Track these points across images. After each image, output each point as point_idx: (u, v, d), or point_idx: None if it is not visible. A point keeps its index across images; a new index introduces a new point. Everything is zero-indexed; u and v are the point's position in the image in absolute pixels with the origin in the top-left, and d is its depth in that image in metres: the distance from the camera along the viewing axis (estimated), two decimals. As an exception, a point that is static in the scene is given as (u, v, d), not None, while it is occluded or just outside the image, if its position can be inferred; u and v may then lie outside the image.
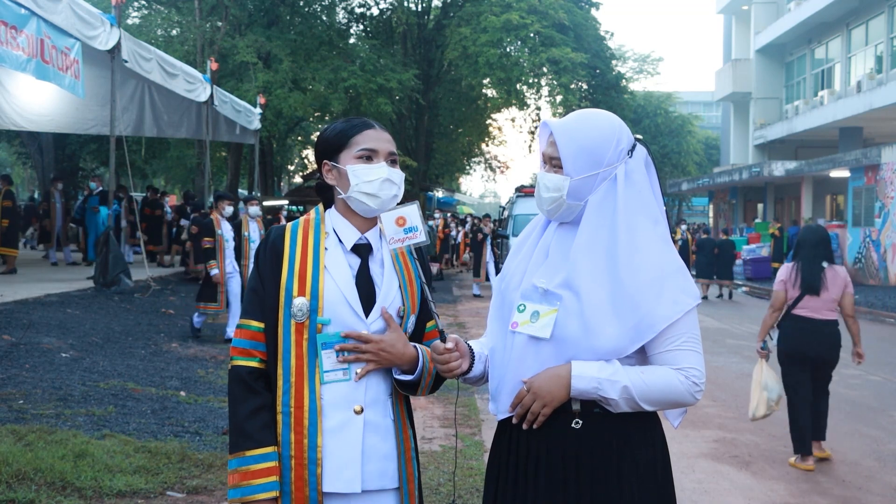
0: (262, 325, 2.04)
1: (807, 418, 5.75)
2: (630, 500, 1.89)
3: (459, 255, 29.05)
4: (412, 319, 2.11)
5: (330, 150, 2.11)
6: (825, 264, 5.71)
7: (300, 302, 2.00)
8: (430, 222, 23.79)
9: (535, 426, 1.93)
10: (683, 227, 22.13)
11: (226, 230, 9.83)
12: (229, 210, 9.99)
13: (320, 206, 2.17)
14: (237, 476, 1.97)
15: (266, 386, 2.03)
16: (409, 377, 2.05)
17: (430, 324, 2.17)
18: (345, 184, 2.07)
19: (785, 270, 5.86)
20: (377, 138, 2.09)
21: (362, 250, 2.09)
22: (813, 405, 5.86)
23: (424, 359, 2.06)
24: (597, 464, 1.90)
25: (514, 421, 1.96)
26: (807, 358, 5.79)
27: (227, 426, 5.59)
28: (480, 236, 19.55)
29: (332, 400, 2.00)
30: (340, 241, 2.09)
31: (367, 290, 2.05)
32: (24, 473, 4.33)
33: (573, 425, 1.92)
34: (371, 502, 2.02)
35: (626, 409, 1.89)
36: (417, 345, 2.08)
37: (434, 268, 20.54)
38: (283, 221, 20.80)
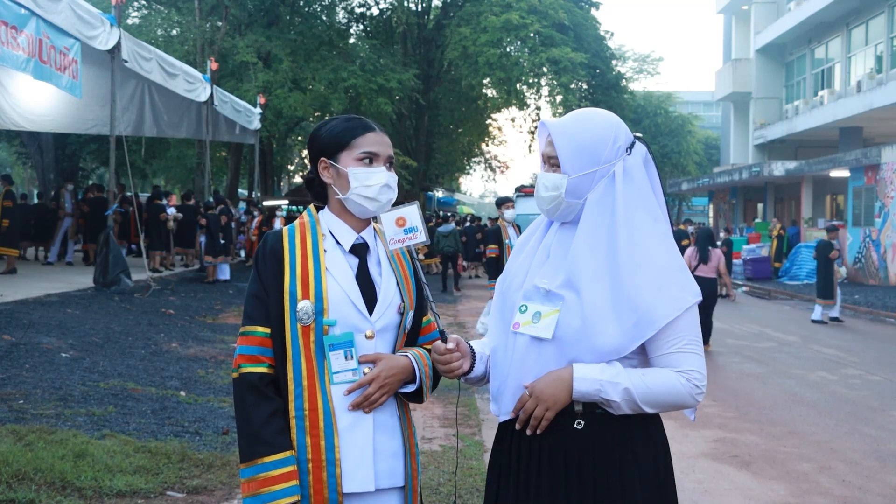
0: (268, 331, 2.03)
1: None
2: (632, 501, 1.89)
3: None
4: (411, 315, 2.12)
5: (330, 148, 2.10)
6: (710, 248, 10.68)
7: (305, 305, 1.99)
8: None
9: (538, 431, 1.93)
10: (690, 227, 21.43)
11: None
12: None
13: (312, 208, 2.15)
14: (255, 484, 1.95)
15: (277, 391, 2.02)
16: (412, 387, 2.06)
17: (425, 318, 2.18)
18: (344, 185, 2.07)
19: (691, 251, 10.76)
20: (378, 142, 2.09)
21: (360, 250, 2.10)
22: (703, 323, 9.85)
23: (418, 363, 2.07)
24: (599, 464, 1.90)
25: (518, 426, 1.96)
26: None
27: (227, 426, 5.54)
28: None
29: (342, 401, 2.00)
30: (338, 242, 2.09)
31: (368, 289, 2.06)
32: (24, 473, 4.32)
33: (575, 426, 1.92)
34: (383, 500, 2.03)
35: (628, 411, 1.89)
36: (406, 351, 2.08)
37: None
38: (277, 225, 20.88)
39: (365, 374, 2.01)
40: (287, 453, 1.96)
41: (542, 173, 2.04)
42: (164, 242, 16.94)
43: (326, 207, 2.13)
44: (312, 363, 2.00)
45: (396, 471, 2.05)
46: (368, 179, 2.05)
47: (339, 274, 2.03)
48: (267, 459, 1.95)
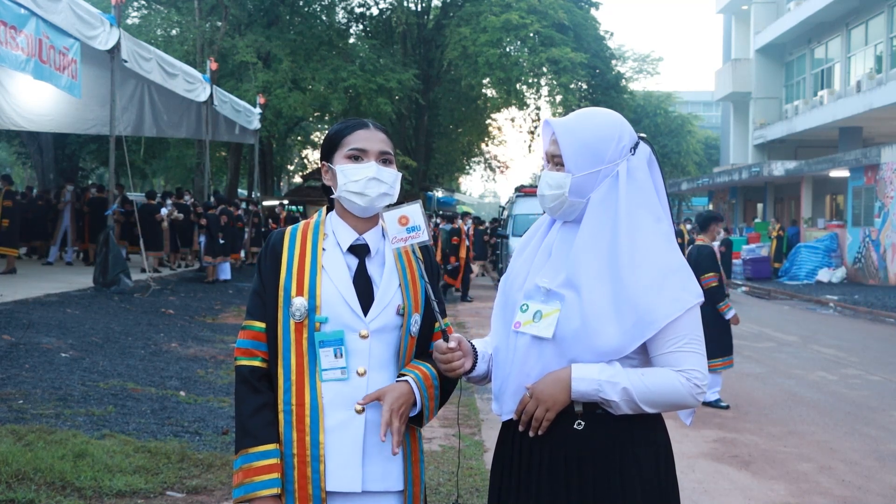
0: (263, 326, 2.07)
1: None
2: (633, 502, 1.89)
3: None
4: (416, 318, 2.10)
5: (327, 151, 2.14)
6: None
7: (298, 302, 2.01)
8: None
9: (539, 432, 1.92)
10: (689, 226, 21.79)
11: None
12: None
13: (323, 210, 2.19)
14: (241, 474, 1.98)
15: (269, 385, 2.04)
16: (414, 411, 2.04)
17: (437, 324, 2.12)
18: (336, 183, 2.10)
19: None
20: (368, 138, 2.10)
21: (361, 251, 2.10)
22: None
23: (421, 385, 2.04)
24: (599, 465, 1.89)
25: (521, 428, 1.96)
26: None
27: (227, 426, 5.55)
28: None
29: (332, 399, 2.00)
30: (338, 242, 2.10)
31: (365, 290, 2.05)
32: (24, 473, 4.32)
33: (576, 426, 1.91)
34: (374, 503, 2.01)
35: (627, 411, 1.88)
36: (408, 375, 2.05)
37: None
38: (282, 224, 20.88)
39: (358, 373, 2.00)
40: (271, 446, 1.98)
41: (546, 172, 2.03)
42: (159, 243, 16.91)
43: (334, 210, 2.17)
44: (303, 359, 2.01)
45: (391, 474, 2.03)
46: (355, 174, 2.06)
47: (334, 273, 2.04)
48: (252, 450, 1.98)
